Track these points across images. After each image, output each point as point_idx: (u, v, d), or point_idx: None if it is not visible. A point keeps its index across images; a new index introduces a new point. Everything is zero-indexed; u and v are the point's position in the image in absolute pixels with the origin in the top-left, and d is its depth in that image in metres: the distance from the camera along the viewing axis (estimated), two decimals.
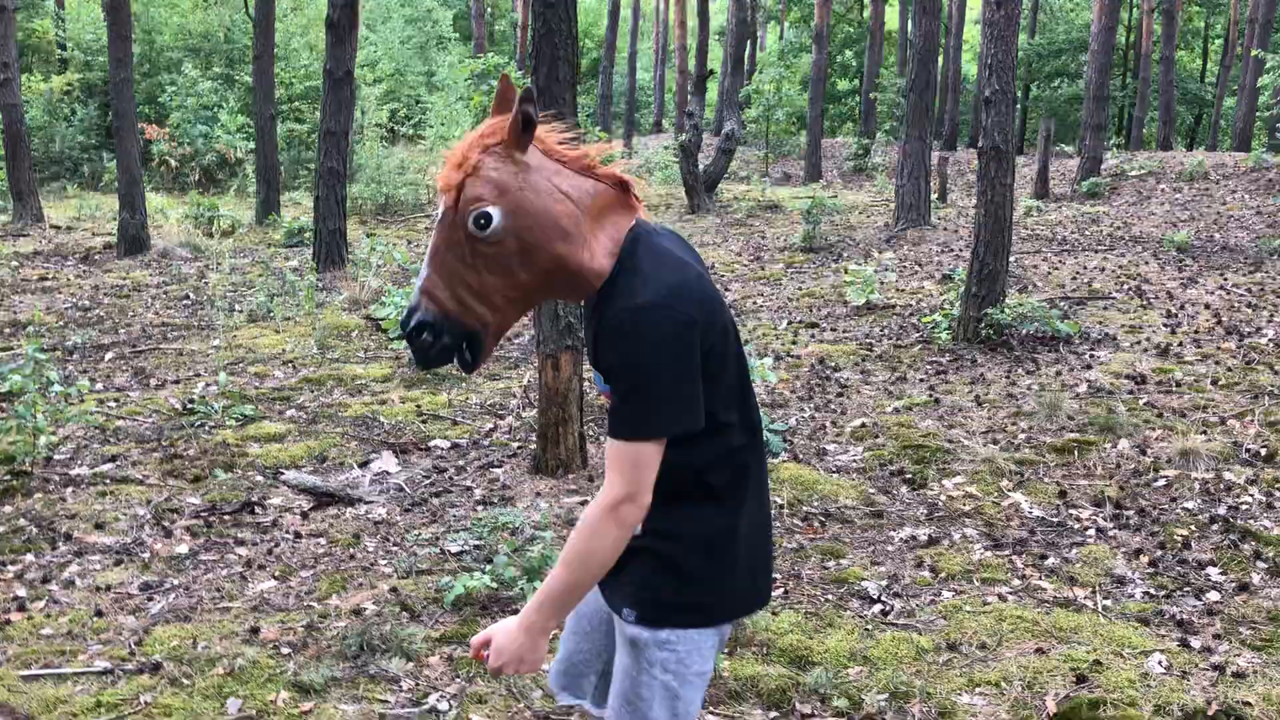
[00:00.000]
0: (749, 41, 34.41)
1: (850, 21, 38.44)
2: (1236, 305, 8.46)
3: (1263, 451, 5.40)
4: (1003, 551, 4.53)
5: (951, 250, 11.65)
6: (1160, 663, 3.59)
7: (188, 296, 10.56)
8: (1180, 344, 7.38)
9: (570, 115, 5.08)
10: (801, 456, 5.64)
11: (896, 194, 13.94)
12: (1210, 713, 3.28)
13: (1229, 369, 6.73)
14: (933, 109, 14.69)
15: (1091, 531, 4.70)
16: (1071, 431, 5.84)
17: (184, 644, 3.69)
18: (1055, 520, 4.83)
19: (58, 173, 22.39)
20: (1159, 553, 4.47)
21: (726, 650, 3.65)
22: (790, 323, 8.64)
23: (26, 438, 5.32)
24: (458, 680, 3.53)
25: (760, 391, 6.45)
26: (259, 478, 5.44)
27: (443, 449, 5.92)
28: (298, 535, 4.78)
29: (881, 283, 9.33)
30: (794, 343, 7.99)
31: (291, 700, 3.36)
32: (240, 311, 9.63)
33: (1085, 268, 10.49)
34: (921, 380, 6.99)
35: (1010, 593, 4.16)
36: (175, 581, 4.28)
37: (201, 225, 15.12)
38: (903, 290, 9.59)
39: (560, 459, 5.32)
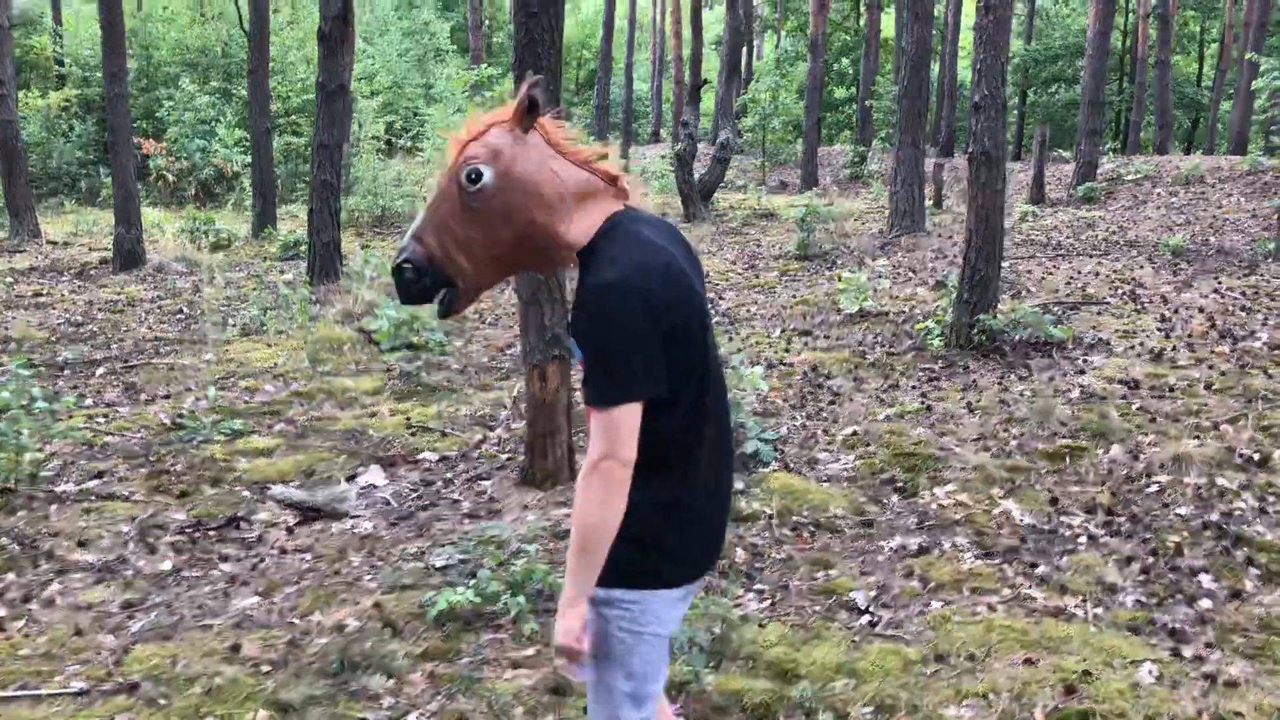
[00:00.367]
0: (745, 51, 34.47)
1: (847, 29, 38.50)
2: (1231, 309, 8.43)
3: (1256, 456, 5.36)
4: (993, 560, 4.49)
5: (946, 256, 11.61)
6: (1151, 672, 3.54)
7: (181, 311, 10.54)
8: (1174, 348, 7.34)
9: None
10: (792, 466, 5.60)
11: (891, 200, 13.92)
12: None
13: (1223, 373, 6.69)
14: (926, 115, 14.69)
15: (1083, 539, 4.66)
16: (1064, 438, 5.80)
17: (163, 663, 3.65)
18: (1046, 528, 4.79)
19: (55, 188, 22.41)
20: (1151, 560, 4.43)
21: (712, 664, 3.61)
22: (783, 331, 8.61)
23: (10, 455, 5.29)
24: (438, 697, 3.49)
25: (751, 400, 6.42)
26: (246, 493, 5.41)
27: (431, 461, 5.89)
28: (283, 551, 4.74)
29: (875, 290, 9.30)
30: (787, 350, 7.96)
31: (270, 719, 3.32)
32: (233, 325, 9.61)
33: (1080, 273, 10.45)
34: (914, 387, 6.95)
35: (1000, 602, 4.11)
36: (157, 599, 4.25)
37: (198, 239, 15.12)
38: (896, 297, 9.56)
39: (548, 470, 5.29)
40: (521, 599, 3.96)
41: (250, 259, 14.27)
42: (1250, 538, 4.54)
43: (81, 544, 4.74)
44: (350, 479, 5.63)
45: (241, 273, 12.92)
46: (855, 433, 6.05)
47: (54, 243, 15.59)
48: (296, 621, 4.04)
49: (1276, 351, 7.09)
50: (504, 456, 5.89)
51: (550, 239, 2.11)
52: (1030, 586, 4.24)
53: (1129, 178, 18.63)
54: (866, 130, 27.83)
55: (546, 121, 2.13)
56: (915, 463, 5.58)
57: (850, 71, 37.62)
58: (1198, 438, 5.66)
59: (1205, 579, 4.26)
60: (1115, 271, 10.45)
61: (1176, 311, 8.49)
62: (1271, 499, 4.93)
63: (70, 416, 6.58)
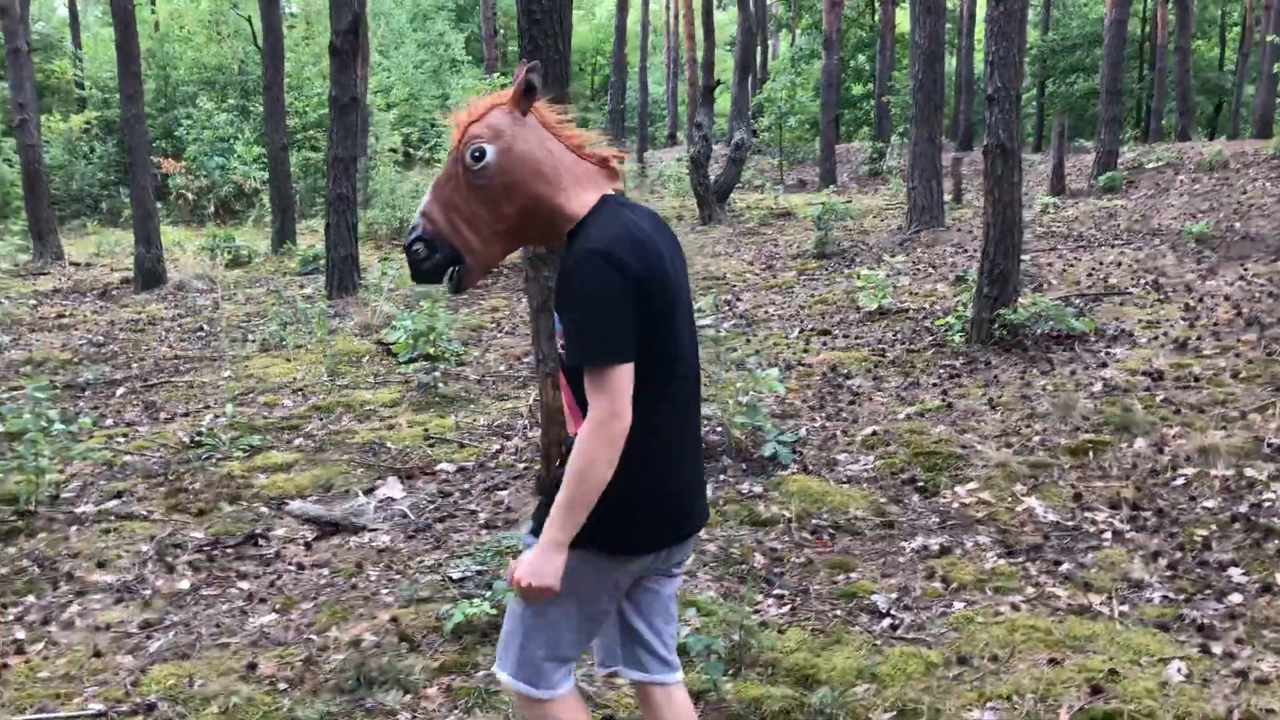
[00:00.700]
0: (760, 50, 34.38)
1: (862, 25, 38.32)
2: (1258, 295, 8.30)
3: None
4: (1016, 559, 4.42)
5: (965, 251, 11.51)
6: (1180, 670, 3.47)
7: (201, 328, 10.59)
8: (1199, 338, 7.23)
9: None
10: (811, 468, 5.55)
11: (908, 196, 13.83)
12: None
13: (1249, 361, 6.58)
14: (942, 109, 14.58)
15: (1108, 535, 4.58)
16: (1086, 432, 5.71)
17: (180, 683, 3.64)
18: (1070, 524, 4.71)
19: (78, 210, 22.64)
20: (1178, 555, 4.35)
21: (730, 672, 3.56)
22: (802, 331, 8.54)
23: (29, 478, 5.31)
24: (455, 711, 3.46)
25: (769, 402, 6.37)
26: (264, 509, 5.41)
27: (449, 472, 5.87)
28: (300, 566, 4.73)
29: (894, 287, 9.22)
30: (805, 351, 7.90)
31: None
32: (253, 341, 9.65)
33: (1101, 263, 10.33)
34: (934, 385, 6.88)
35: (1023, 601, 4.04)
36: (176, 618, 4.24)
37: (218, 257, 15.22)
38: (915, 294, 9.48)
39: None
40: None
41: (270, 275, 14.34)
42: None
43: (100, 564, 4.75)
44: (368, 492, 5.62)
45: (261, 289, 12.98)
46: (875, 432, 5.99)
47: (77, 264, 15.73)
48: (314, 638, 4.03)
49: None
50: (521, 465, 5.87)
51: (553, 210, 2.22)
52: (1054, 585, 4.17)
53: (1151, 166, 18.43)
54: (884, 126, 27.68)
55: (543, 106, 2.26)
56: (936, 461, 5.51)
57: (867, 68, 37.46)
58: (1224, 428, 5.56)
59: (1235, 573, 4.18)
60: (1138, 261, 10.32)
61: (1201, 300, 8.37)
62: None
63: (91, 436, 6.61)
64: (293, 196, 17.39)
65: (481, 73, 30.94)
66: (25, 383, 5.80)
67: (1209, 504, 4.77)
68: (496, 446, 6.26)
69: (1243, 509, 4.67)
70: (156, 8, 29.58)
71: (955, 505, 5.02)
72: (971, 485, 5.21)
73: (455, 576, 4.45)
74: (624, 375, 2.08)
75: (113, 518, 5.30)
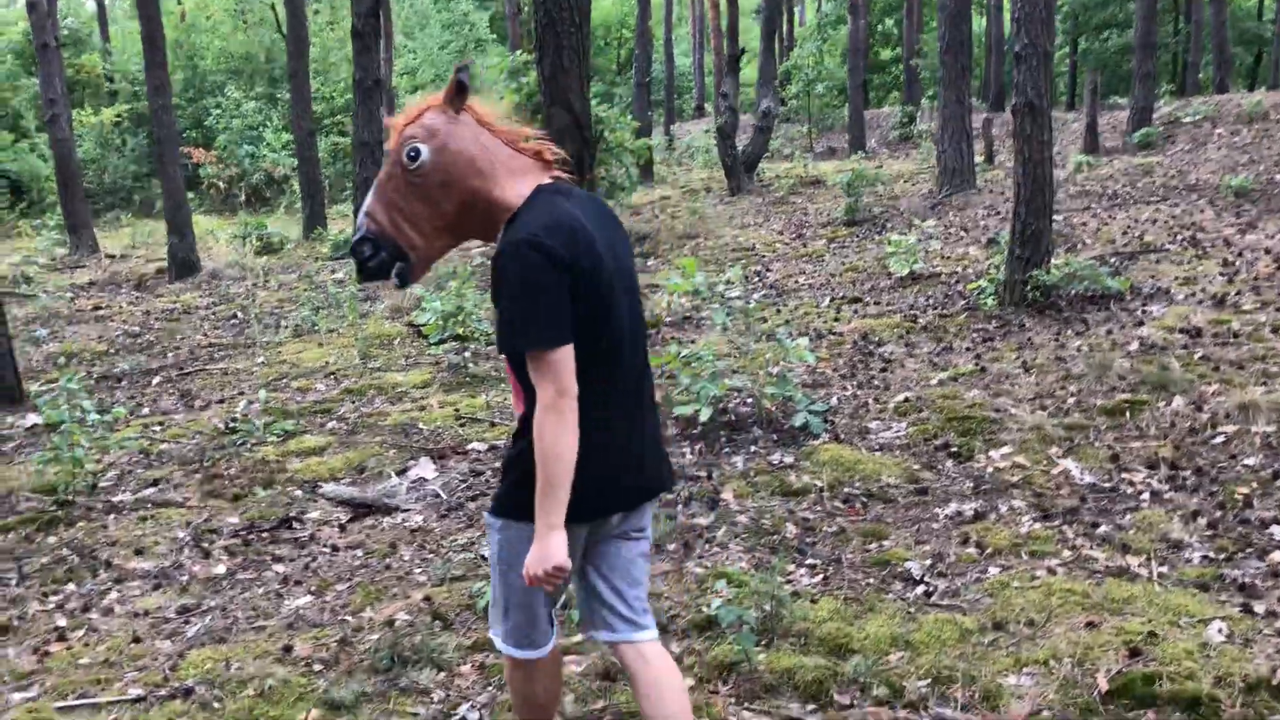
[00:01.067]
0: (786, 17, 34.03)
1: None
2: None
3: None
4: (1052, 522, 4.36)
5: (998, 213, 11.36)
6: (1221, 631, 3.41)
7: (235, 316, 10.68)
8: (1238, 293, 7.09)
9: (580, 104, 4.99)
10: (843, 436, 5.50)
11: (939, 160, 13.65)
12: (1275, 682, 3.10)
13: None
14: (970, 70, 14.35)
15: (1145, 495, 4.51)
16: (1123, 392, 5.62)
17: (217, 666, 3.68)
18: (1107, 486, 4.64)
19: (112, 202, 22.87)
20: (1218, 514, 4.27)
21: (762, 643, 3.54)
22: (833, 299, 8.47)
23: (67, 468, 5.38)
24: (489, 689, 3.47)
25: (799, 372, 6.32)
26: (298, 492, 5.44)
27: (480, 451, 5.88)
28: (335, 548, 4.76)
29: (925, 252, 9.11)
30: (836, 319, 7.83)
31: (322, 719, 3.33)
32: (285, 327, 9.71)
33: (1137, 221, 10.15)
34: (967, 349, 6.80)
35: (1060, 565, 3.99)
36: (212, 603, 4.29)
37: (250, 245, 15.33)
38: (947, 258, 9.36)
39: None
40: (570, 585, 3.92)
41: (302, 260, 14.43)
42: None
43: (138, 552, 4.80)
44: (400, 473, 5.64)
45: (293, 275, 13.07)
46: (907, 399, 5.93)
47: (112, 256, 15.91)
48: (348, 618, 4.05)
49: None
50: None
51: (489, 204, 2.31)
52: (1091, 547, 4.11)
53: (1187, 120, 18.07)
54: (914, 90, 27.34)
55: (476, 103, 2.36)
56: (970, 426, 5.45)
57: (894, 31, 36.98)
58: (1265, 384, 5.45)
59: (1277, 531, 4.09)
60: (1174, 217, 10.13)
61: (1240, 255, 8.20)
62: None
63: (127, 425, 6.69)
64: (321, 182, 17.46)
65: (507, 51, 30.86)
66: (62, 375, 5.87)
67: (1250, 461, 4.69)
68: None
69: None
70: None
71: (989, 470, 4.96)
72: (1006, 449, 5.14)
73: (487, 554, 4.46)
74: (564, 356, 2.17)
75: (149, 505, 5.36)
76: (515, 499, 2.33)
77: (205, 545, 4.85)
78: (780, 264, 10.27)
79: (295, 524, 5.06)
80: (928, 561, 4.13)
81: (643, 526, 2.52)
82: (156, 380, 8.17)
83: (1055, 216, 8.00)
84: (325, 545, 4.80)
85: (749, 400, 5.92)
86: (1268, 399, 5.18)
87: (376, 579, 4.38)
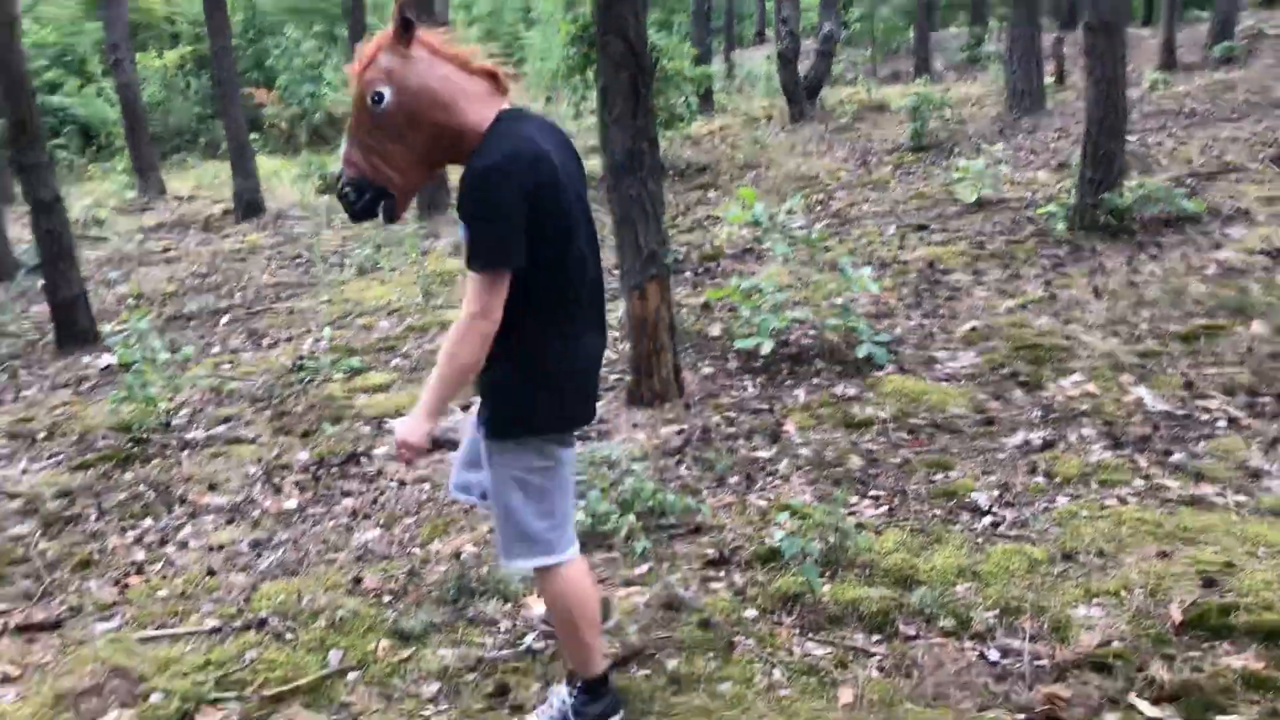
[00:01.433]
0: None
1: None
2: None
3: None
4: (1123, 451, 4.27)
5: (1068, 136, 11.00)
6: None
7: (300, 256, 10.79)
8: None
9: (637, 32, 4.89)
10: (908, 367, 5.42)
11: (1008, 82, 13.24)
12: None
13: None
14: None
15: (1222, 423, 4.39)
16: (1199, 317, 5.45)
17: (289, 598, 3.76)
18: (1181, 414, 4.52)
19: (178, 145, 23.14)
20: None
21: (826, 575, 3.53)
22: (898, 227, 8.30)
23: (141, 407, 5.50)
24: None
25: (863, 302, 6.22)
26: (365, 428, 5.51)
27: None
28: (401, 483, 4.83)
29: (993, 177, 8.86)
30: (901, 248, 7.68)
31: (391, 648, 3.39)
32: (349, 266, 9.79)
33: (1216, 140, 9.76)
34: (1037, 276, 6.63)
35: (1132, 494, 3.91)
36: (283, 537, 4.38)
37: (313, 184, 15.43)
38: (1016, 183, 9.11)
39: (655, 390, 5.23)
40: (631, 518, 3.94)
41: None
42: None
43: (211, 487, 4.91)
44: (464, 408, 5.68)
45: None
46: (975, 328, 5.81)
47: (179, 198, 16.13)
48: (416, 551, 4.12)
49: None
50: (612, 378, 5.86)
51: (456, 130, 2.42)
52: (1164, 476, 4.02)
53: (1273, 33, 17.28)
54: (981, 10, 26.46)
55: (424, 34, 2.44)
56: (1039, 354, 5.33)
57: None
58: None
59: None
60: (1256, 134, 9.73)
61: None
62: None
63: (199, 363, 6.82)
64: None
65: None
66: (133, 316, 5.99)
67: None
68: None
69: None
70: None
71: (1059, 398, 4.86)
72: (1076, 377, 5.03)
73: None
74: (503, 282, 2.34)
75: (221, 442, 5.48)
76: (510, 417, 2.51)
77: (276, 481, 4.94)
78: (844, 192, 10.08)
79: (363, 459, 5.13)
80: (995, 492, 4.07)
81: (573, 442, 2.70)
82: (225, 320, 8.31)
83: (1129, 137, 7.73)
84: (392, 480, 4.86)
85: (811, 332, 5.85)
86: None
87: (442, 512, 4.44)
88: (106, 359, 7.30)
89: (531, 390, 2.49)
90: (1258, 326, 5.21)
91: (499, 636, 3.43)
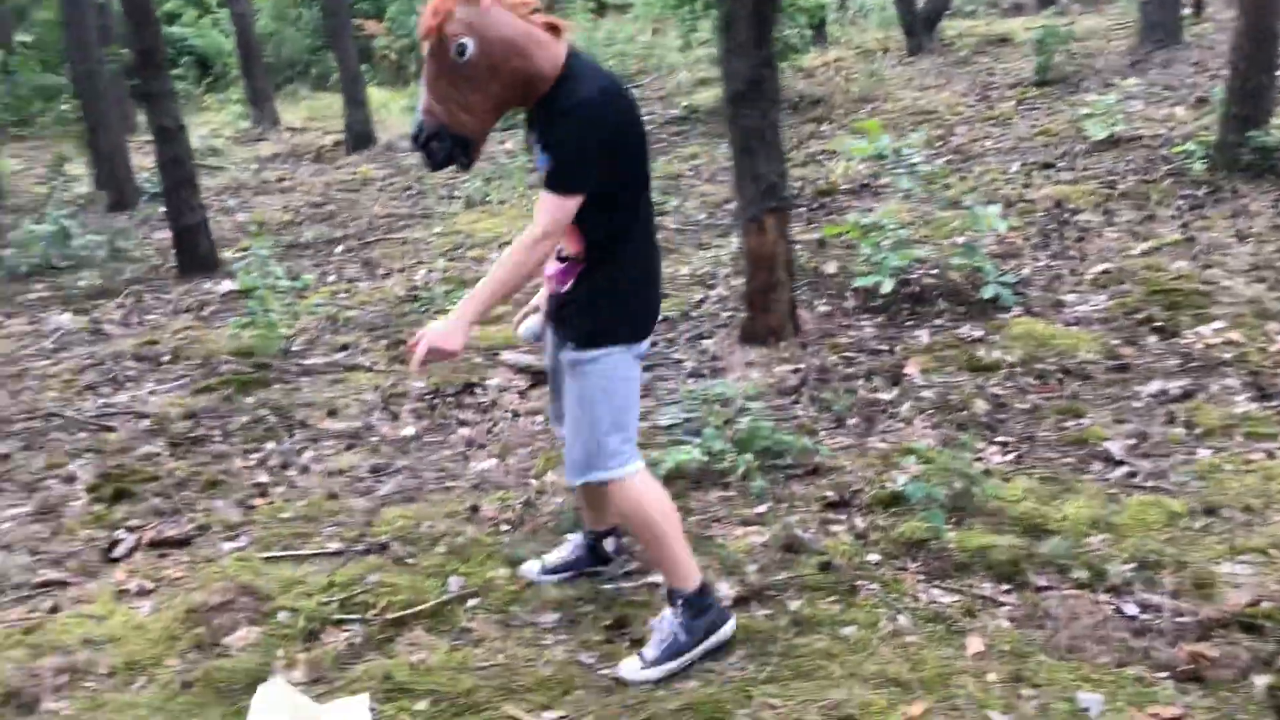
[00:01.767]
0: None
1: None
2: None
3: None
4: (1271, 403, 4.04)
5: (1207, 70, 10.40)
6: None
7: (410, 188, 10.87)
8: None
9: None
10: (1035, 309, 5.22)
11: (1140, 13, 12.57)
12: None
13: None
14: None
15: None
16: None
17: (409, 524, 3.81)
18: None
19: (290, 76, 23.44)
20: None
21: (952, 521, 3.42)
22: (1022, 165, 7.98)
23: (263, 332, 5.60)
24: None
25: (988, 241, 5.99)
26: (479, 359, 5.53)
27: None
28: (515, 414, 4.84)
29: (1125, 113, 8.44)
30: (1026, 186, 7.38)
31: (509, 577, 3.41)
32: (459, 198, 9.83)
33: None
34: (1173, 218, 6.31)
35: None
36: (402, 463, 4.43)
37: None
38: (1150, 119, 8.65)
39: (770, 326, 5.13)
40: (749, 457, 3.88)
41: None
42: None
43: (331, 413, 4.99)
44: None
45: None
46: (1106, 270, 5.56)
47: (292, 129, 16.38)
48: (531, 482, 4.13)
49: None
50: (725, 314, 5.78)
51: (530, 76, 2.58)
52: None
53: None
54: None
55: None
56: (1176, 299, 5.08)
57: None
58: None
59: None
60: None
61: None
62: None
63: (316, 291, 6.92)
64: None
65: None
66: (255, 242, 6.10)
67: None
68: (700, 296, 6.17)
69: None
70: None
71: (1198, 346, 4.62)
72: (1217, 324, 4.78)
73: (664, 424, 4.45)
74: (574, 205, 2.53)
75: (339, 369, 5.56)
76: (605, 328, 2.70)
77: (393, 408, 5.00)
78: (964, 128, 9.72)
79: (477, 389, 5.16)
80: (1130, 441, 3.90)
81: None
82: (340, 249, 8.42)
83: (1278, 71, 7.25)
84: (507, 411, 4.88)
85: (933, 271, 5.66)
86: None
87: (556, 445, 4.42)
88: (226, 285, 7.47)
89: (623, 299, 2.71)
90: None
91: (618, 570, 3.42)
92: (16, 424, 5.17)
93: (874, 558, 3.34)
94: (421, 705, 2.79)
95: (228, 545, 3.78)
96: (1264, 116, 6.75)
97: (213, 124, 16.86)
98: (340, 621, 3.21)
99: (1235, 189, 6.56)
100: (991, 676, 2.73)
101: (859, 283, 5.40)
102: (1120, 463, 3.77)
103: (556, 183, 2.53)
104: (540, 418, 4.74)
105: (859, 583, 3.19)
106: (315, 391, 5.26)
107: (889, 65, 13.38)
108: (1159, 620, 2.89)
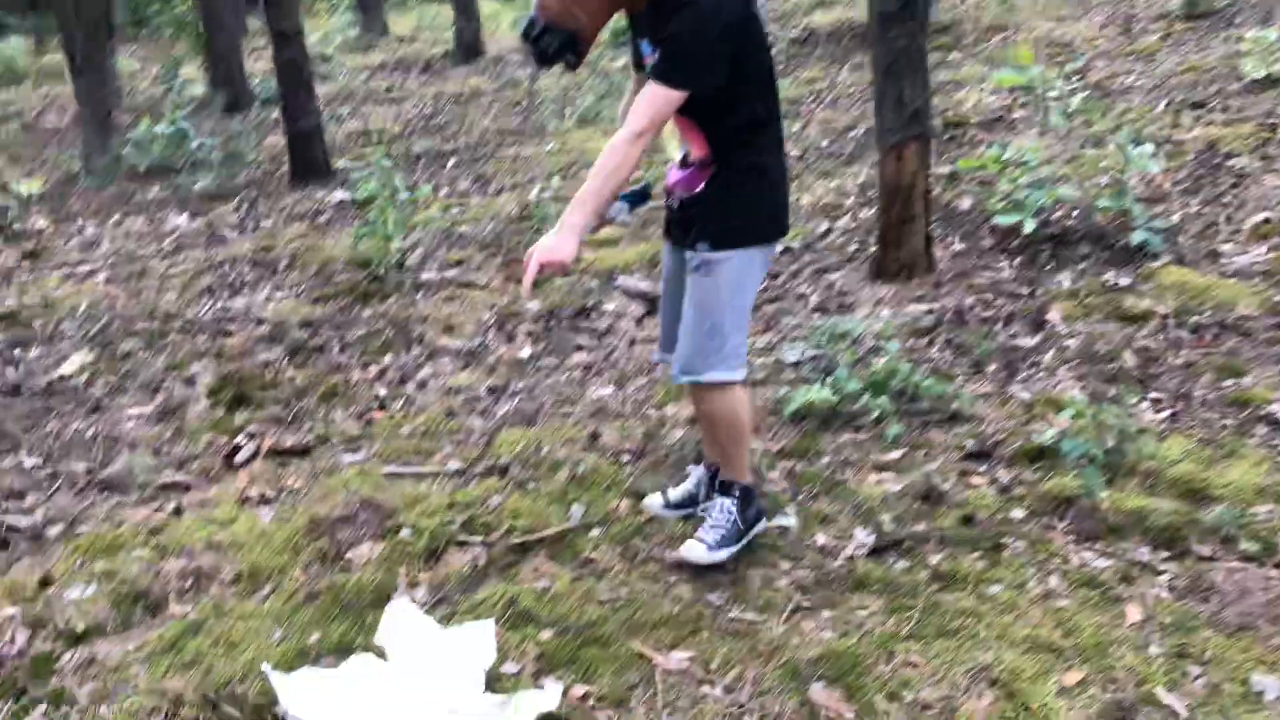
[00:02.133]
0: None
1: None
2: None
3: None
4: None
5: None
6: None
7: (520, 102, 10.70)
8: None
9: None
10: (1188, 258, 4.89)
11: None
12: None
13: None
14: None
15: None
16: None
17: (528, 448, 3.73)
18: None
19: None
20: None
21: (1106, 478, 3.22)
22: (1169, 104, 7.50)
23: (379, 242, 5.54)
24: (799, 497, 3.34)
25: (1136, 183, 5.64)
26: (594, 283, 5.41)
27: (774, 254, 5.64)
28: (632, 341, 4.72)
29: None
30: (1175, 127, 6.93)
31: (631, 508, 3.31)
32: (571, 114, 9.64)
33: None
34: None
35: None
36: (519, 385, 4.35)
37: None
38: None
39: (903, 262, 4.90)
40: (885, 400, 3.70)
41: None
42: None
43: (448, 330, 4.93)
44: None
45: None
46: (1268, 220, 5.18)
47: (401, 39, 16.28)
48: (651, 413, 4.01)
49: None
50: (852, 248, 5.55)
51: None
52: None
53: None
54: None
55: None
56: None
57: None
58: None
59: None
60: None
61: None
62: None
63: (429, 206, 6.85)
64: None
65: None
66: (366, 153, 6.04)
67: None
68: (824, 227, 5.94)
69: None
70: None
71: None
72: None
73: (790, 360, 4.28)
74: (678, 103, 2.49)
75: (454, 285, 5.48)
76: (741, 226, 2.69)
77: (509, 329, 4.91)
78: (1103, 62, 9.18)
79: (593, 314, 5.04)
80: None
81: None
82: (452, 163, 8.33)
83: None
84: (623, 338, 4.76)
85: (1076, 212, 5.35)
86: None
87: (668, 377, 4.30)
88: (339, 194, 7.44)
89: (758, 199, 2.72)
90: None
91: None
92: (138, 324, 5.22)
93: (1018, 514, 3.16)
94: (546, 635, 2.72)
95: (348, 457, 3.75)
96: None
97: (323, 30, 16.83)
98: (463, 543, 3.15)
99: None
100: (1153, 649, 2.56)
101: (1001, 219, 5.12)
102: None
103: (667, 75, 2.49)
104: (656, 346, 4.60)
105: (1004, 539, 3.02)
106: (431, 307, 5.20)
107: None
108: None
